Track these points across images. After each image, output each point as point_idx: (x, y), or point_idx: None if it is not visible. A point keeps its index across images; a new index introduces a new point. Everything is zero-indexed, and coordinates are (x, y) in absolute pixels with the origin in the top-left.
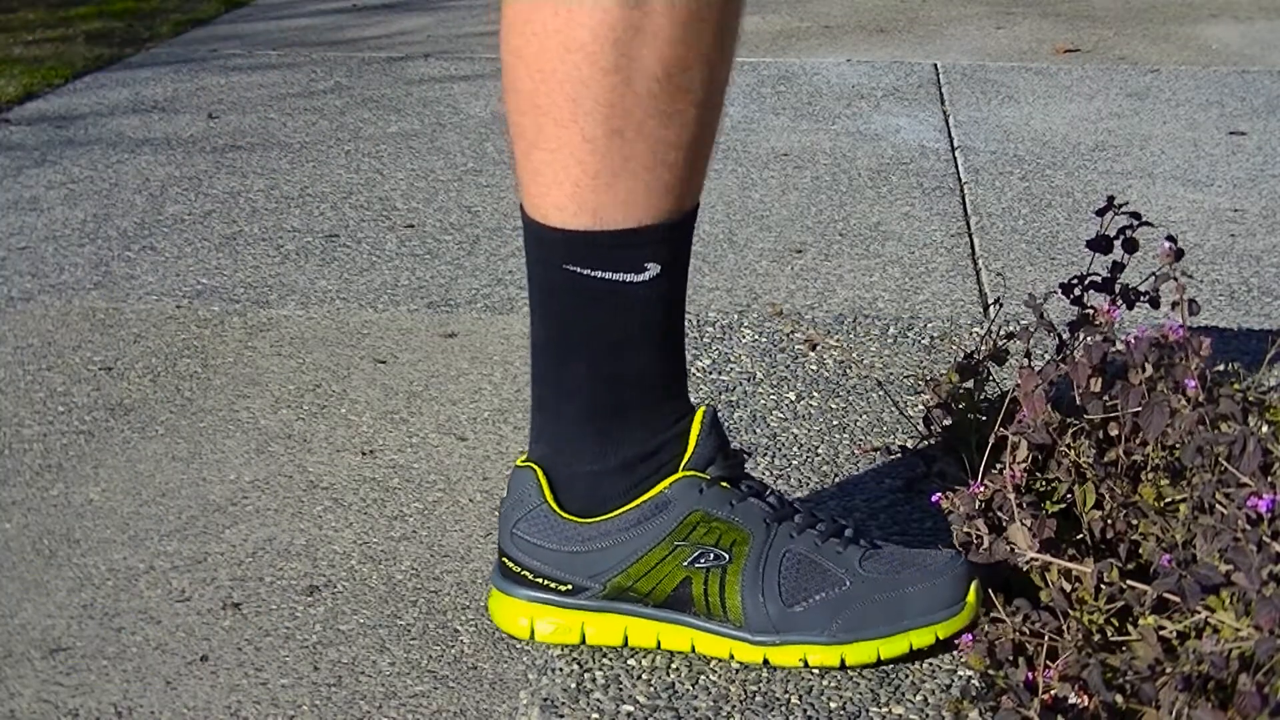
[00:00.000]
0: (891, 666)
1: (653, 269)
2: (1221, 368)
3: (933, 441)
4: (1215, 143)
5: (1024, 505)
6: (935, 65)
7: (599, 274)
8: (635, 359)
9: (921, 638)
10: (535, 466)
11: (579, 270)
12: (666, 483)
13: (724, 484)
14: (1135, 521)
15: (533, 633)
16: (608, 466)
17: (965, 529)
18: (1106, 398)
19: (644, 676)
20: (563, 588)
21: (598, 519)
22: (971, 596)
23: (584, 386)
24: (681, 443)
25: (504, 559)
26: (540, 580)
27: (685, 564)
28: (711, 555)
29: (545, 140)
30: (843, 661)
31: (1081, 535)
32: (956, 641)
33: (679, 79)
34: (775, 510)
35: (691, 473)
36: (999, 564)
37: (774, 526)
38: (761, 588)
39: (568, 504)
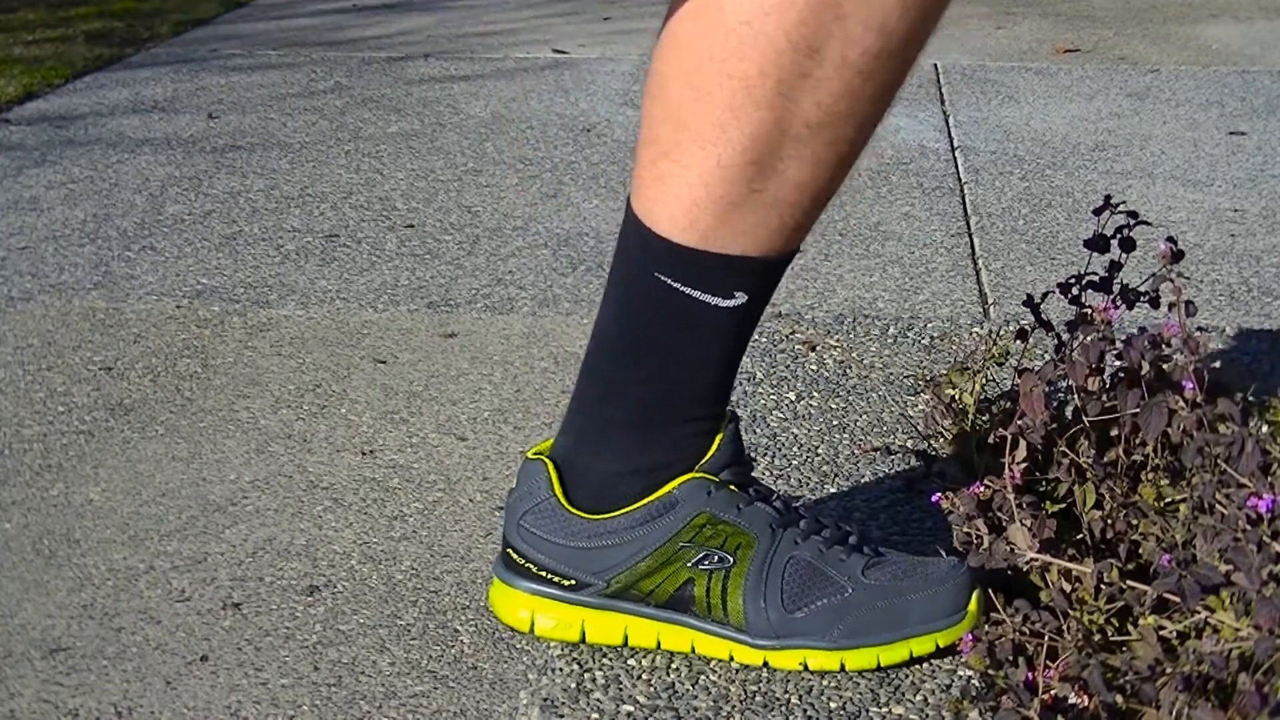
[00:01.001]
0: (892, 667)
1: (740, 298)
2: (1216, 365)
3: (933, 441)
4: (1215, 143)
5: (1024, 505)
6: (935, 65)
7: (689, 291)
8: (695, 376)
9: (922, 645)
10: (546, 459)
11: (670, 282)
12: (676, 483)
13: (732, 487)
14: (1135, 521)
15: (533, 626)
16: (629, 469)
17: (965, 529)
18: (1105, 398)
19: (644, 676)
20: (566, 582)
21: (605, 516)
22: (973, 605)
23: (634, 392)
24: (700, 447)
25: (509, 550)
26: (544, 574)
27: (689, 565)
28: (716, 558)
29: (679, 154)
30: (842, 666)
31: (1081, 535)
32: (957, 642)
33: (831, 129)
34: (781, 515)
35: (701, 474)
36: (999, 566)
37: (779, 532)
38: (764, 593)
39: (577, 499)
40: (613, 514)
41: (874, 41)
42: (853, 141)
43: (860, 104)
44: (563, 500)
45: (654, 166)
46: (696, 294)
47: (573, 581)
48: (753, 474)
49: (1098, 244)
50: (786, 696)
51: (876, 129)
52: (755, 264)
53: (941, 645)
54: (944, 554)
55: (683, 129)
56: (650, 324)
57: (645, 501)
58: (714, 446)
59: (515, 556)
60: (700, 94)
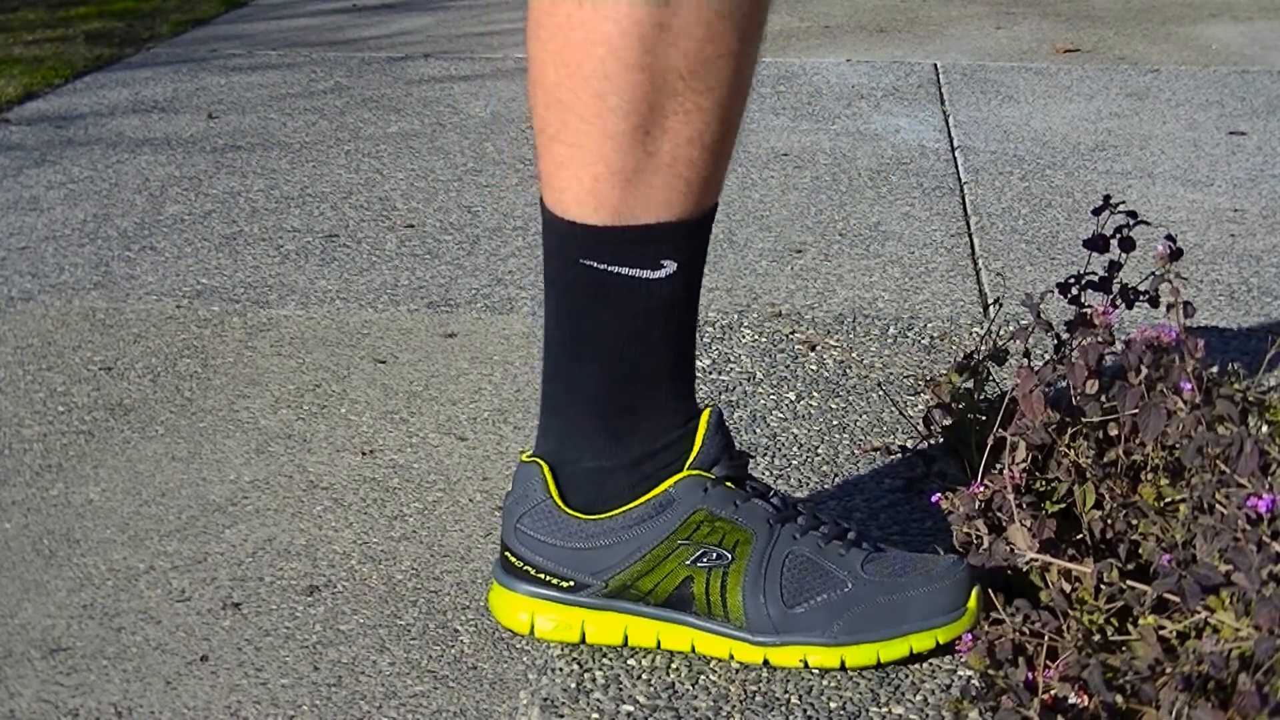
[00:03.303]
0: (891, 667)
1: (669, 266)
2: (1215, 369)
3: (933, 441)
4: (1215, 143)
5: (1024, 505)
6: (935, 65)
7: (616, 269)
8: (648, 356)
9: (922, 642)
10: (541, 462)
11: (596, 265)
12: (671, 481)
13: (728, 484)
14: (1135, 521)
15: (533, 629)
16: (615, 463)
17: (965, 529)
18: (1105, 398)
19: (644, 676)
20: (564, 584)
21: (602, 516)
22: (972, 603)
23: (595, 383)
24: (687, 442)
25: (506, 553)
26: (542, 576)
27: (687, 563)
28: (714, 554)
29: (568, 135)
30: (843, 663)
31: (1081, 535)
32: (956, 642)
33: (704, 76)
34: (779, 511)
35: (696, 472)
36: (999, 566)
37: (777, 528)
38: (763, 588)
39: (572, 500)
40: (608, 514)
41: None
42: (730, 84)
43: (726, 45)
44: (558, 502)
45: (549, 154)
46: (625, 271)
47: (571, 583)
48: (750, 471)
49: (1097, 244)
50: (786, 696)
51: (753, 68)
52: (675, 229)
53: (941, 642)
54: (943, 554)
55: (565, 108)
56: (590, 312)
57: (641, 500)
58: (699, 439)
59: (513, 559)
60: (572, 69)
